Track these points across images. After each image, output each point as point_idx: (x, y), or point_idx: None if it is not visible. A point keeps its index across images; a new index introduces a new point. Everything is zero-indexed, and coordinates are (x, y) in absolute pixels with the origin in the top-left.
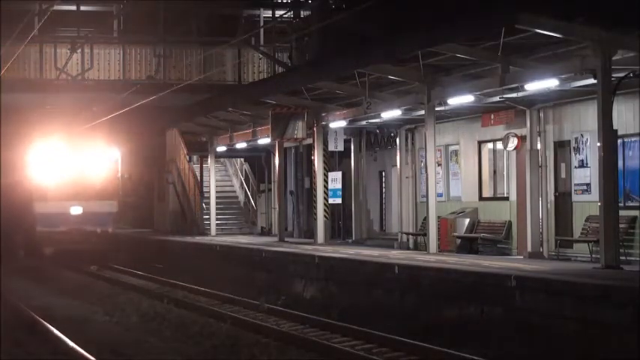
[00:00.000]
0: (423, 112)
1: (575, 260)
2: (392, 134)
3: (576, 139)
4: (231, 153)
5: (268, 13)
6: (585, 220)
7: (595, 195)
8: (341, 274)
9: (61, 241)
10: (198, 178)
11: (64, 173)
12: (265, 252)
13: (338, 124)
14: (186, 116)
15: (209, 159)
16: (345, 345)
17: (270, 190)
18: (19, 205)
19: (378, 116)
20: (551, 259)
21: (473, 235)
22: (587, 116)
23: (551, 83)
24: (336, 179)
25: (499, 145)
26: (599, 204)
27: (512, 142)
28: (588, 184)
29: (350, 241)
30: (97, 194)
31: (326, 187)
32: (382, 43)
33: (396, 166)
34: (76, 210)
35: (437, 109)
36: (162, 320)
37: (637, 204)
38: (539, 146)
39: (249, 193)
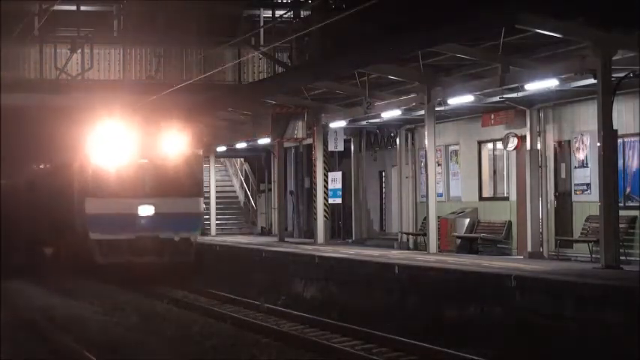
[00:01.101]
0: (423, 112)
1: (575, 260)
2: (392, 134)
3: (576, 139)
4: (231, 153)
5: (268, 13)
6: (585, 220)
7: (595, 195)
8: (341, 274)
9: (124, 254)
10: None
11: (130, 159)
12: (265, 252)
13: (338, 124)
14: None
15: (209, 159)
16: (345, 345)
17: (270, 190)
18: (61, 203)
19: (378, 116)
20: (551, 259)
21: (473, 235)
22: (587, 116)
23: (551, 83)
24: (336, 179)
25: (499, 145)
26: (599, 204)
27: (512, 142)
28: (588, 184)
29: (350, 241)
30: (177, 189)
31: (326, 187)
32: (382, 43)
33: (396, 166)
34: (147, 210)
35: (437, 109)
36: (163, 320)
37: (637, 204)
38: (539, 146)
39: (249, 193)
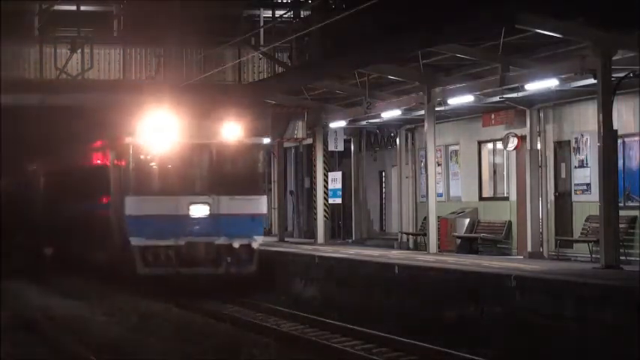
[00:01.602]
0: (423, 112)
1: (575, 260)
2: (392, 134)
3: (576, 139)
4: None
5: (268, 13)
6: (585, 220)
7: (595, 195)
8: (341, 274)
9: (171, 264)
10: None
11: (180, 149)
12: (265, 252)
13: (338, 124)
14: None
15: None
16: (346, 345)
17: (270, 190)
18: (91, 203)
19: (378, 116)
20: (551, 259)
21: (473, 235)
22: (587, 116)
23: (551, 83)
24: (336, 179)
25: (499, 145)
26: (599, 204)
27: (512, 142)
28: (588, 184)
29: (350, 241)
30: (236, 185)
31: (326, 187)
32: (382, 43)
33: (396, 166)
34: (200, 210)
35: (437, 109)
36: (162, 320)
37: (637, 204)
38: (539, 146)
39: None
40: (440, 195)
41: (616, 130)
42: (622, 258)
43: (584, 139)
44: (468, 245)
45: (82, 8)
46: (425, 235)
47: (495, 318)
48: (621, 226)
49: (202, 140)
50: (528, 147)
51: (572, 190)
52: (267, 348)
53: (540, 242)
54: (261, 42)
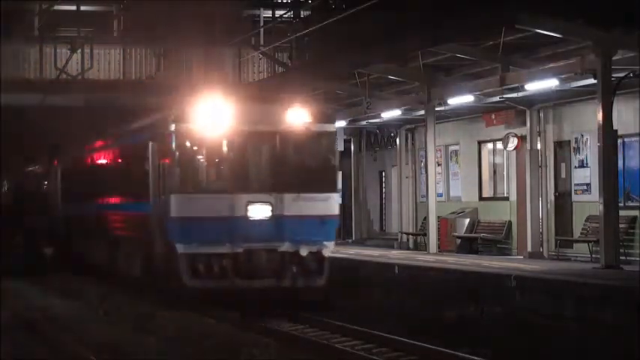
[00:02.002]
0: (423, 112)
1: (574, 260)
2: (392, 134)
3: (576, 139)
4: None
5: (268, 13)
6: (585, 220)
7: (595, 195)
8: (341, 274)
9: (226, 275)
10: None
11: (236, 140)
12: None
13: (338, 124)
14: None
15: None
16: (346, 345)
17: None
18: (126, 201)
19: (378, 116)
20: (551, 259)
21: (473, 235)
22: (587, 116)
23: (551, 83)
24: None
25: (499, 145)
26: (599, 204)
27: (512, 142)
28: (588, 184)
29: (350, 241)
30: (305, 180)
31: None
32: (382, 42)
33: (396, 166)
34: (260, 211)
35: (437, 109)
36: (163, 320)
37: (637, 204)
38: (539, 146)
39: None
40: (440, 195)
41: (616, 130)
42: (622, 258)
43: (584, 139)
44: (468, 245)
45: (82, 8)
46: (425, 235)
47: (495, 318)
48: (621, 226)
49: (263, 127)
50: (528, 147)
51: (572, 190)
52: (267, 348)
53: (540, 242)
54: (261, 42)
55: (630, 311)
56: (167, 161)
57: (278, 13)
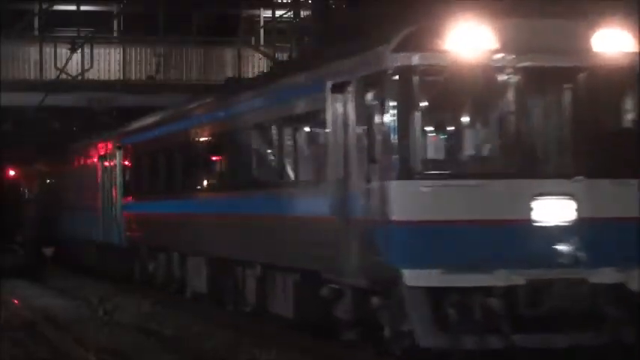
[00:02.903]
0: None
1: None
2: None
3: None
4: None
5: (268, 13)
6: None
7: None
8: None
9: (497, 324)
10: None
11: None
12: None
13: None
14: None
15: None
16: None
17: None
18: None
19: None
20: None
21: None
22: None
23: None
24: None
25: None
26: None
27: None
28: None
29: None
30: (627, 159)
31: None
32: None
33: None
34: (556, 210)
35: None
36: (163, 320)
37: None
38: None
39: None
40: None
41: None
42: None
43: None
44: None
45: (82, 8)
46: None
47: None
48: None
49: (557, 61)
50: None
51: None
52: (267, 348)
53: None
54: (261, 42)
55: None
56: (380, 122)
57: (278, 13)
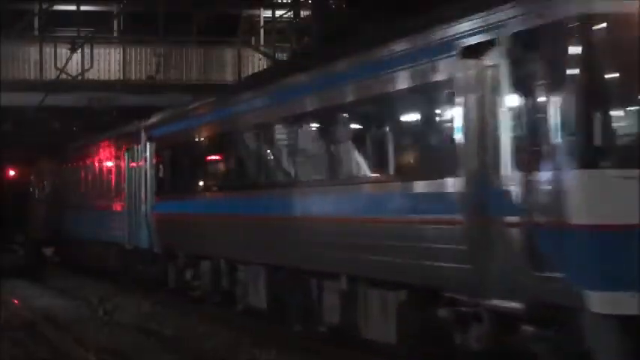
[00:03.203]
0: None
1: None
2: None
3: None
4: None
5: (268, 13)
6: None
7: None
8: None
9: None
10: None
11: None
12: None
13: None
14: None
15: None
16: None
17: None
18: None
19: None
20: None
21: None
22: None
23: None
24: None
25: None
26: None
27: None
28: None
29: None
30: None
31: None
32: None
33: None
34: None
35: None
36: (163, 320)
37: None
38: None
39: None
40: None
41: None
42: None
43: None
44: None
45: (82, 8)
46: None
47: None
48: None
49: None
50: None
51: None
52: (267, 348)
53: None
54: (261, 42)
55: None
56: (548, 93)
57: (278, 13)
